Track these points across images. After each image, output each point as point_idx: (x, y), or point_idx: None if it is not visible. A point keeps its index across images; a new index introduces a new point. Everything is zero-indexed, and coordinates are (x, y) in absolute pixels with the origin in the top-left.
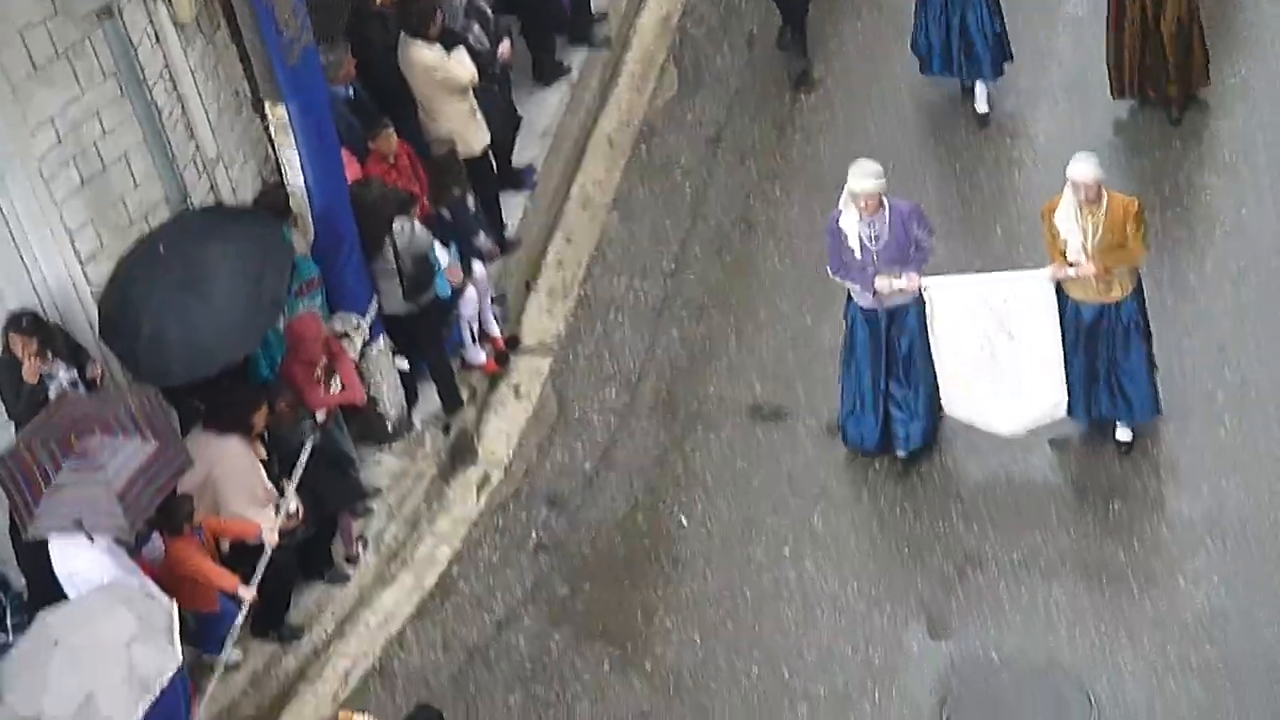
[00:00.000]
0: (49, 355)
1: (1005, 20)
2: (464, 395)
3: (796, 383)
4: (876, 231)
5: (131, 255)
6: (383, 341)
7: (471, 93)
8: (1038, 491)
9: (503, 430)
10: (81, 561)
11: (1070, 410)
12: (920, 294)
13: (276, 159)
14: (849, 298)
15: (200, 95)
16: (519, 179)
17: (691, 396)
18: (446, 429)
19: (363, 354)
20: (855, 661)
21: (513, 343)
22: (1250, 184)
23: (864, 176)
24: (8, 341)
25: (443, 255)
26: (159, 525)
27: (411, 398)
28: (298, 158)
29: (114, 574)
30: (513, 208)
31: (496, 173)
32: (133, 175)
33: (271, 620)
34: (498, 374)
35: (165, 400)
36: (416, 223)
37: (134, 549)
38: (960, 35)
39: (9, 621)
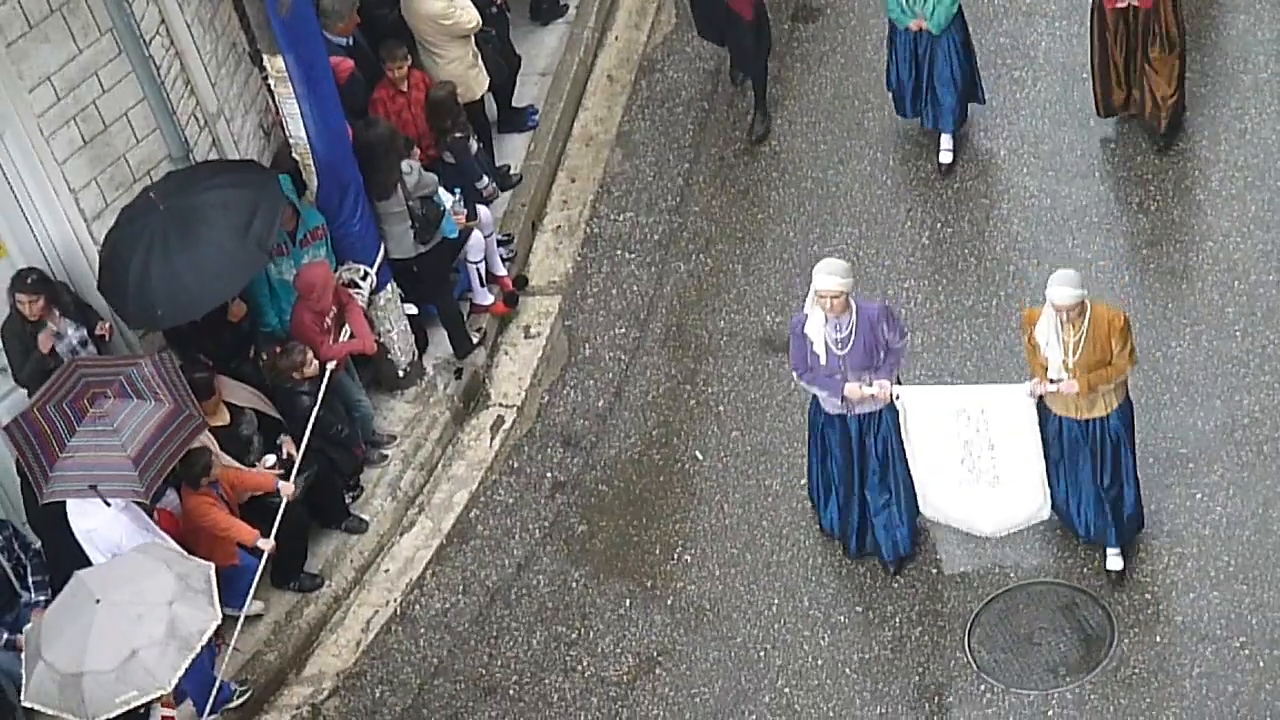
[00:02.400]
0: (56, 313)
1: (976, 59)
2: (474, 338)
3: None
4: (844, 335)
5: (129, 206)
6: (391, 288)
7: (473, 38)
8: None
9: (514, 372)
10: (99, 519)
11: (1065, 520)
12: (892, 401)
13: (277, 110)
14: (814, 401)
15: (198, 49)
16: (520, 120)
17: (702, 330)
18: (458, 373)
19: (371, 302)
20: (875, 587)
21: (521, 283)
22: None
23: (829, 275)
24: (14, 302)
25: (447, 198)
26: (176, 479)
27: (422, 343)
28: (298, 109)
29: (131, 532)
30: (515, 148)
31: (498, 114)
32: (134, 133)
33: (290, 571)
34: (507, 315)
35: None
36: (419, 165)
37: (149, 506)
38: (928, 79)
39: (30, 580)
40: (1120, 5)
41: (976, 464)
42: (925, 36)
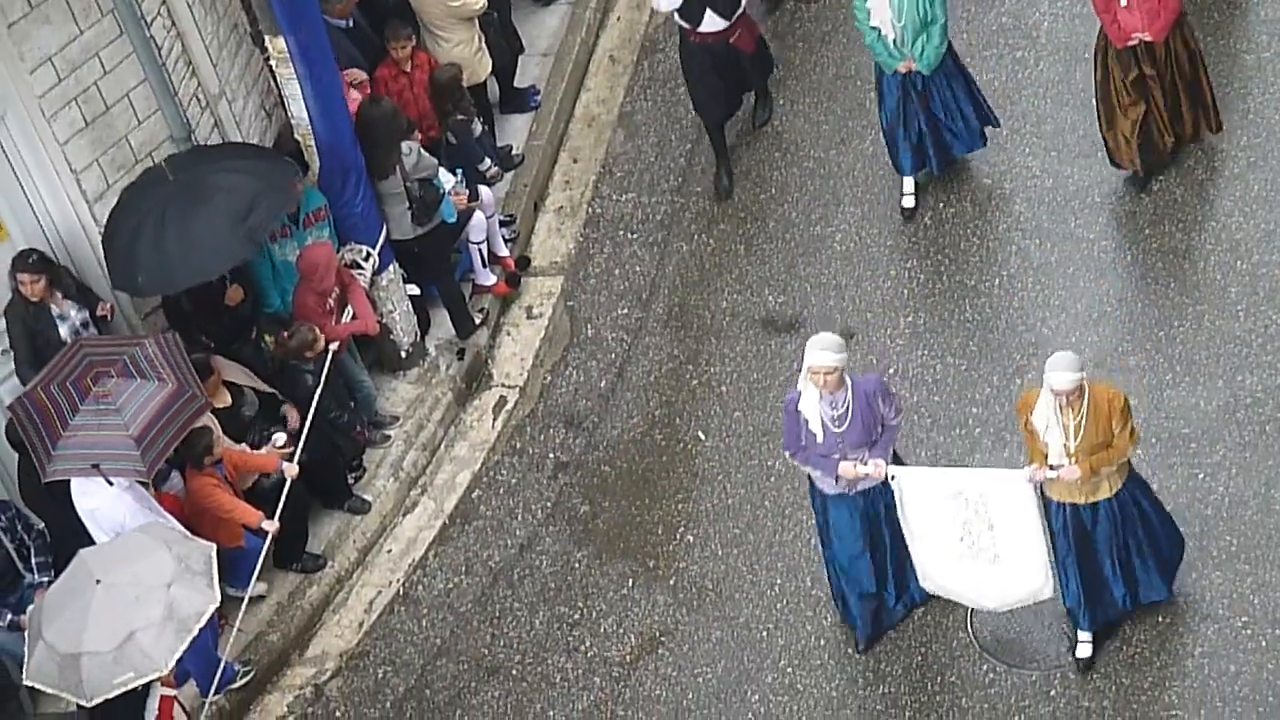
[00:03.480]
0: (58, 294)
1: (976, 84)
2: (476, 319)
3: (808, 292)
4: (839, 412)
5: (143, 173)
6: (393, 269)
7: (477, 20)
8: None
9: (516, 352)
10: (103, 499)
11: (1073, 619)
12: (887, 480)
13: (278, 91)
14: (811, 485)
15: (199, 30)
16: (522, 100)
17: (704, 310)
18: (460, 354)
19: (373, 283)
20: None
21: (523, 264)
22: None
23: (823, 350)
24: (16, 283)
25: (447, 179)
26: (180, 460)
27: (424, 324)
28: (300, 90)
29: (135, 511)
30: (517, 129)
31: (500, 95)
32: (136, 114)
33: (292, 552)
34: (509, 296)
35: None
36: (419, 146)
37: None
38: (928, 122)
39: (33, 561)
40: (1130, 43)
41: (976, 542)
42: (916, 77)
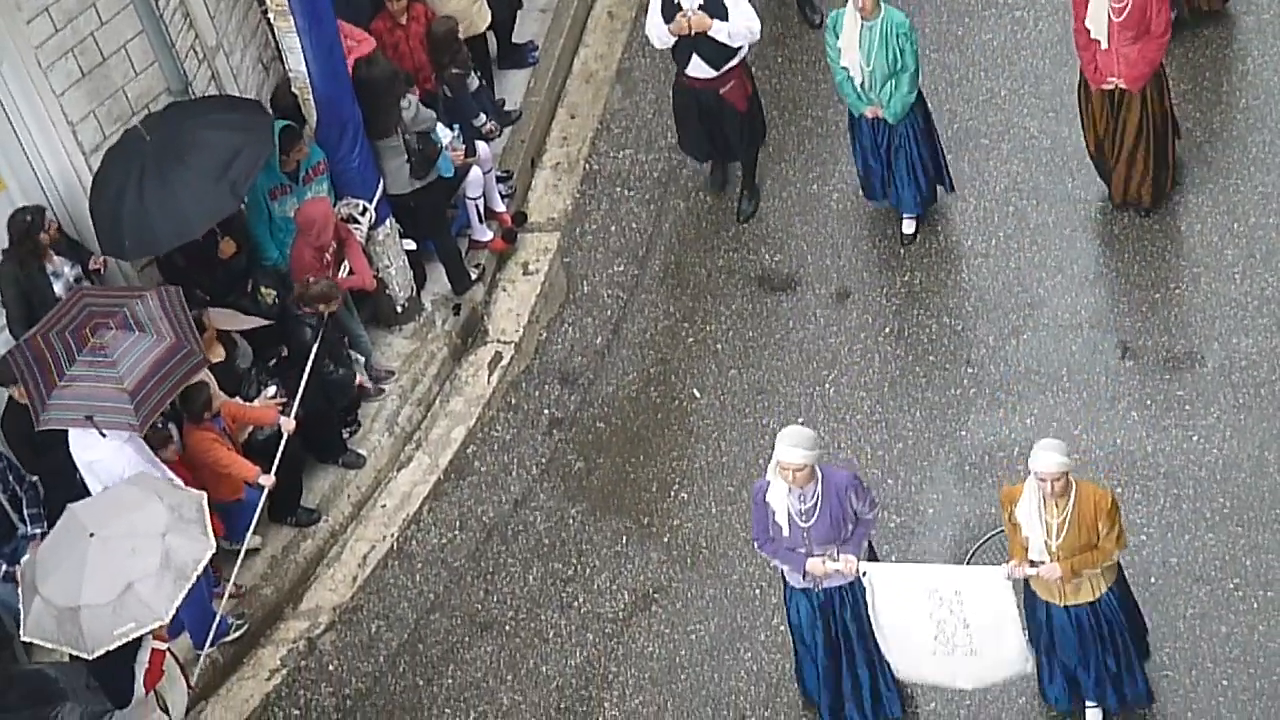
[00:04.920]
0: (51, 252)
1: (940, 146)
2: (472, 274)
3: (804, 250)
4: (808, 506)
5: (121, 136)
6: (389, 224)
7: None
8: (1049, 353)
9: (512, 308)
10: (103, 450)
11: (1049, 699)
12: (858, 577)
13: (276, 45)
14: (783, 576)
15: None
16: (520, 56)
17: (700, 268)
18: (456, 309)
19: (369, 237)
20: None
21: (520, 219)
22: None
23: (793, 446)
24: (33, 242)
25: (445, 134)
26: (176, 415)
27: (420, 279)
28: (298, 43)
29: (135, 463)
30: (515, 84)
31: (498, 50)
32: (132, 65)
33: (287, 506)
34: (506, 252)
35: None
36: (417, 100)
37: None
38: (889, 165)
39: (25, 511)
40: (1106, 87)
41: (951, 639)
42: (882, 124)
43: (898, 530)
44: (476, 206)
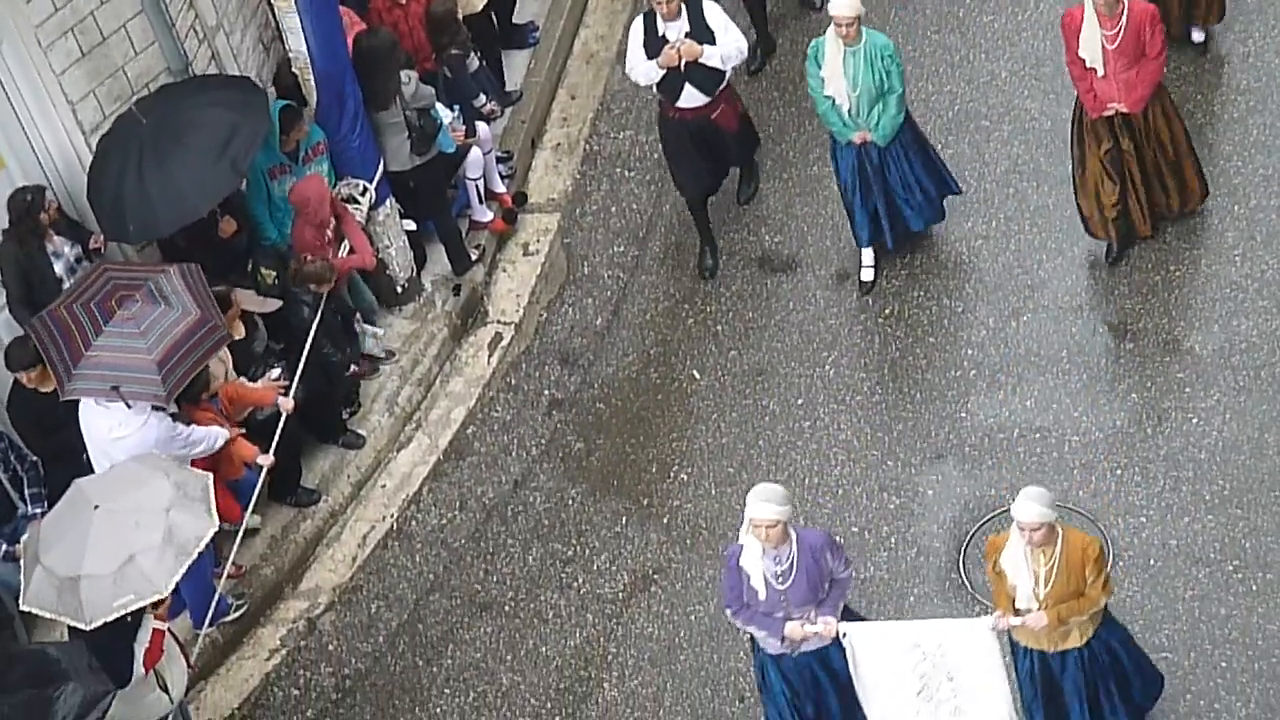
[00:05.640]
0: (51, 232)
1: (936, 155)
2: (473, 255)
3: (805, 232)
4: (784, 567)
5: (118, 119)
6: (390, 204)
7: None
8: (1049, 335)
9: (513, 289)
10: (129, 428)
11: None
12: (838, 638)
13: (277, 25)
14: (754, 643)
15: None
16: (521, 36)
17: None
18: (456, 289)
19: (370, 218)
20: (870, 508)
21: (520, 200)
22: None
23: (764, 502)
24: (33, 220)
25: (445, 114)
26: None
27: (420, 259)
28: (298, 23)
29: (158, 440)
30: (516, 65)
31: (498, 30)
32: (132, 45)
33: (287, 486)
34: (506, 233)
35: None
36: (417, 76)
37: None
38: (883, 194)
39: (27, 491)
40: (1106, 113)
41: (935, 695)
42: (872, 149)
43: (897, 512)
44: (477, 187)
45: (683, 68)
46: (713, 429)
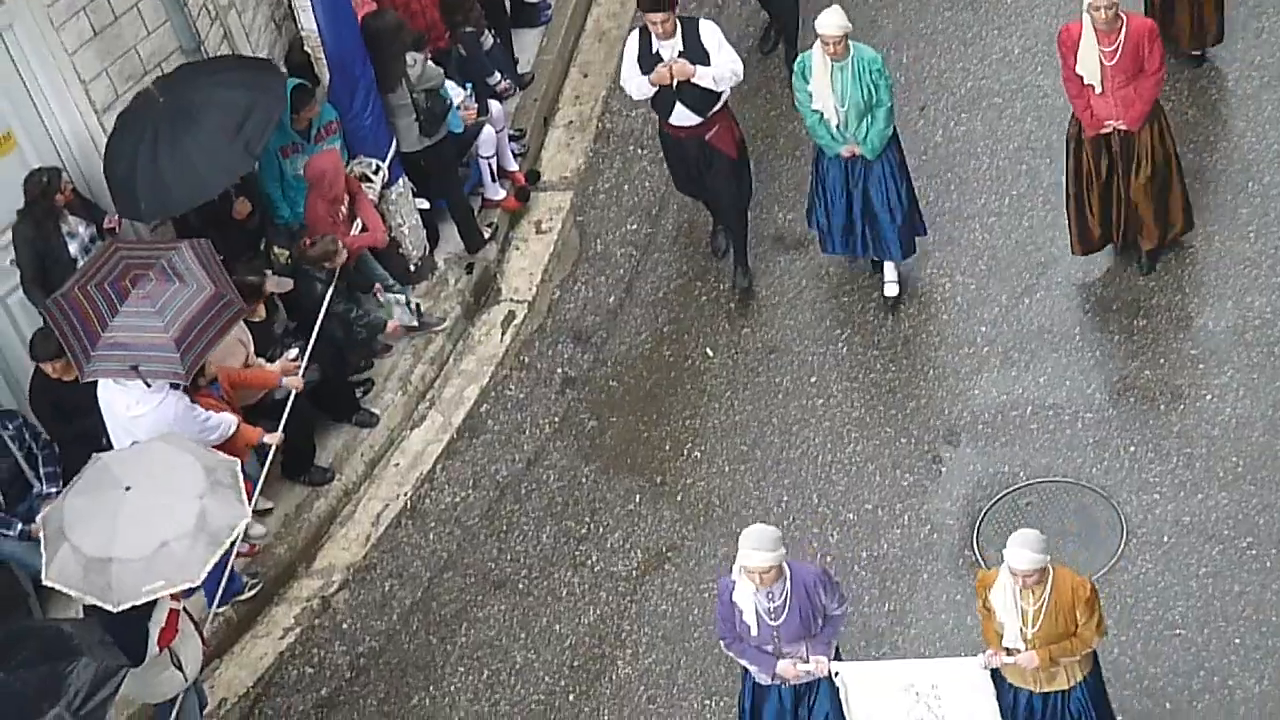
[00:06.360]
0: (66, 212)
1: (914, 188)
2: (485, 233)
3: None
4: (777, 604)
5: (134, 98)
6: (402, 183)
7: None
8: (1062, 311)
9: (525, 267)
10: (147, 406)
11: None
12: (830, 676)
13: (289, 3)
14: (744, 671)
15: None
16: (533, 14)
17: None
18: (469, 268)
19: (382, 196)
20: (884, 485)
21: (533, 178)
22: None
23: (755, 550)
24: (49, 202)
25: (455, 92)
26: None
27: (433, 238)
28: (310, 1)
29: (178, 419)
30: (528, 43)
31: (510, 9)
32: (145, 24)
33: (300, 465)
34: (518, 211)
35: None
36: (428, 58)
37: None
38: (863, 208)
39: (41, 470)
40: (1104, 131)
41: None
42: (858, 163)
43: (910, 489)
44: (489, 165)
45: (675, 86)
46: (725, 406)
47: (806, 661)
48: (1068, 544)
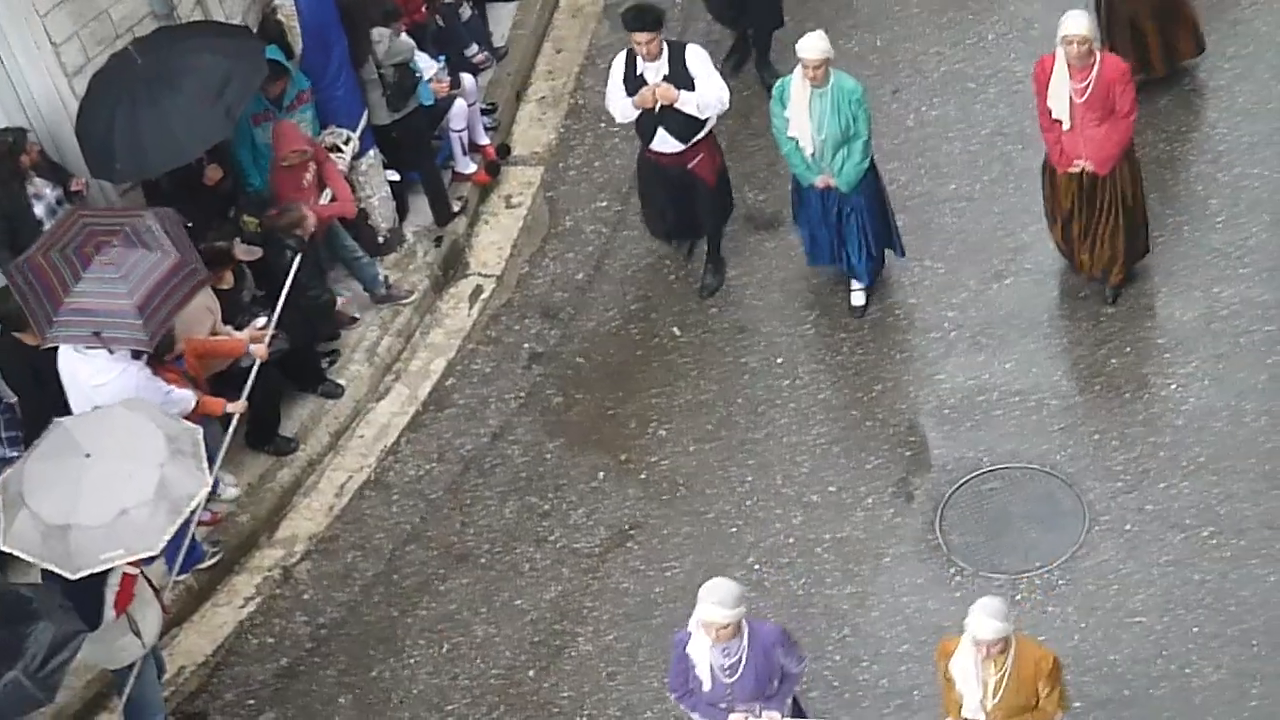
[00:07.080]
0: (32, 174)
1: (892, 215)
2: (455, 206)
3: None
4: (732, 661)
5: (112, 57)
6: (373, 154)
7: None
8: (1031, 298)
9: (494, 241)
10: (110, 374)
11: None
12: None
13: None
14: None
15: None
16: None
17: None
18: (438, 241)
19: (353, 167)
20: (849, 468)
21: (504, 152)
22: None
23: (716, 605)
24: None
25: (428, 65)
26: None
27: (402, 210)
28: None
29: (141, 387)
30: (502, 17)
31: None
32: None
33: (264, 434)
34: (489, 185)
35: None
36: (399, 32)
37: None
38: (839, 233)
39: (4, 434)
40: (1072, 170)
41: None
42: (834, 195)
43: (875, 472)
44: (461, 139)
45: (657, 110)
46: (692, 385)
47: (759, 716)
48: (1030, 528)
